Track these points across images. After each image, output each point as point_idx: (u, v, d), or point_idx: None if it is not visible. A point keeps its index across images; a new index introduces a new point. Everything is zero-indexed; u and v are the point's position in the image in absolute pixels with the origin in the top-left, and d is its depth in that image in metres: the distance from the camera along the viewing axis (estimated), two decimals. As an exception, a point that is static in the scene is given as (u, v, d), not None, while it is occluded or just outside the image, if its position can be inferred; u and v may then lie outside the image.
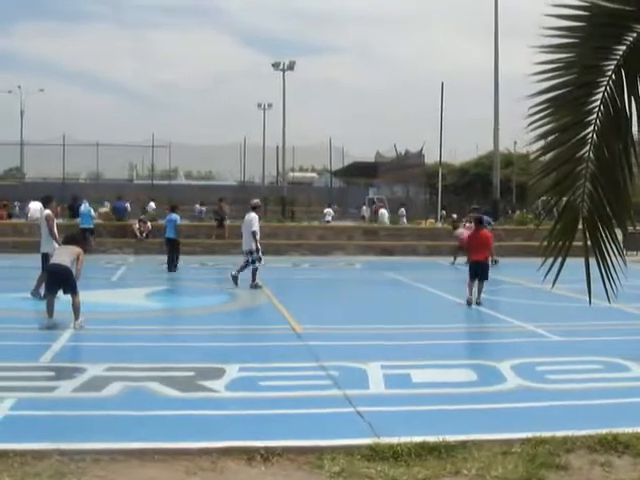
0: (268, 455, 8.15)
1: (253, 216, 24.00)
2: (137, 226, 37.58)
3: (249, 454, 8.16)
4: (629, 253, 38.19)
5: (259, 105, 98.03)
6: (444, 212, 58.06)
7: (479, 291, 20.73)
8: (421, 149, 65.27)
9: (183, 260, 29.87)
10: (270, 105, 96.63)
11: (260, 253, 23.82)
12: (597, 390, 11.52)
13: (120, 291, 23.36)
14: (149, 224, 37.97)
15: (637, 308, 19.47)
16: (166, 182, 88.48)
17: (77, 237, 18.01)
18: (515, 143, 78.70)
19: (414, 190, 67.07)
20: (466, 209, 69.40)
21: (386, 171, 74.07)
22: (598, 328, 16.48)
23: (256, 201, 25.46)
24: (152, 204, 48.49)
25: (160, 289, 23.55)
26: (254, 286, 23.51)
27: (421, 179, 66.52)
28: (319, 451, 8.29)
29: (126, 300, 20.96)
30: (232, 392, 10.87)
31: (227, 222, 39.59)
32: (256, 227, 23.74)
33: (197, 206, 54.71)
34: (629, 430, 9.00)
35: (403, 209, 53.06)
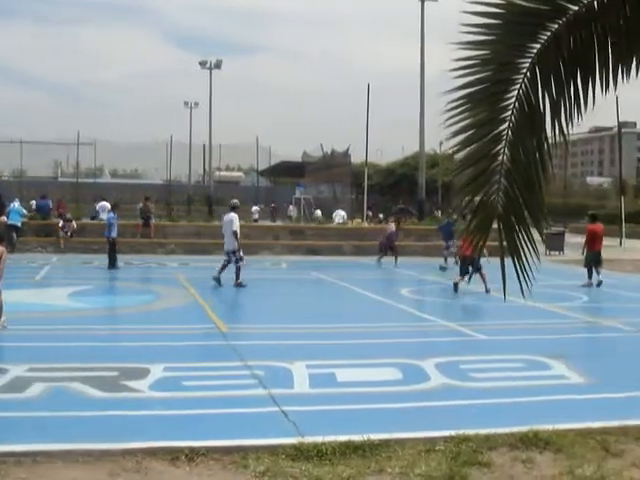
0: (192, 455, 8.10)
1: (233, 216, 24.35)
2: (61, 225, 36.99)
3: (173, 454, 8.10)
4: (552, 253, 38.97)
5: (186, 103, 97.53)
6: (370, 212, 58.27)
7: (470, 277, 21.83)
8: (347, 149, 65.43)
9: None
10: (197, 103, 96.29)
11: (241, 252, 23.99)
12: (519, 388, 11.65)
13: (43, 290, 23.06)
14: (74, 223, 37.54)
15: (560, 307, 19.77)
16: (91, 180, 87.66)
17: (0, 235, 17.71)
18: (441, 144, 79.30)
19: (340, 190, 67.21)
20: (392, 209, 69.99)
21: (313, 171, 74.10)
22: (521, 327, 16.70)
23: (235, 201, 25.94)
24: (105, 203, 46.66)
25: (84, 288, 23.23)
26: (239, 285, 23.74)
27: (347, 179, 66.68)
28: (244, 451, 8.26)
29: (49, 300, 20.70)
30: (156, 392, 10.78)
31: (152, 221, 39.36)
32: (237, 227, 23.94)
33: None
34: (550, 427, 9.12)
35: (319, 211, 53.35)
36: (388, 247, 33.76)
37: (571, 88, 4.09)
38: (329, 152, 70.20)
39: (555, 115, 4.14)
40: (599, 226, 27.28)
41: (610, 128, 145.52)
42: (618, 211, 51.69)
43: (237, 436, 8.75)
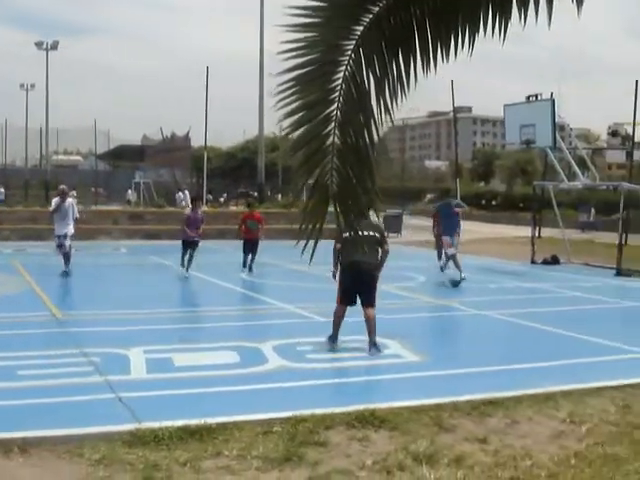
0: (26, 446, 7.91)
1: (53, 200, 24.05)
2: None
3: (6, 446, 7.89)
4: (390, 235, 39.69)
5: (21, 86, 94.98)
6: (210, 196, 58.23)
7: (252, 260, 24.31)
8: (187, 132, 65.19)
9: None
10: (33, 86, 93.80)
11: (58, 239, 23.29)
12: (356, 368, 11.90)
13: None
14: None
15: (397, 287, 20.18)
16: None
17: None
18: (281, 127, 79.52)
19: (180, 174, 66.84)
20: (233, 193, 70.06)
21: (152, 154, 73.51)
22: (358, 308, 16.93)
23: (60, 187, 25.07)
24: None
25: None
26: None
27: (187, 162, 66.40)
28: (79, 439, 8.12)
29: None
30: (-11, 382, 10.51)
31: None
32: (51, 209, 23.62)
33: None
34: (385, 405, 9.35)
35: (181, 194, 53.15)
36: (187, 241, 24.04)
37: (394, 68, 4.18)
38: (169, 136, 69.76)
39: (380, 94, 4.21)
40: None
41: (447, 113, 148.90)
42: (454, 193, 53.00)
43: (72, 425, 8.60)
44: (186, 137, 65.74)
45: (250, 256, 24.57)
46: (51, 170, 78.55)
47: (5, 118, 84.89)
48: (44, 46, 79.56)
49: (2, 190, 58.74)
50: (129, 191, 63.62)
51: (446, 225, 24.11)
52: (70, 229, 23.31)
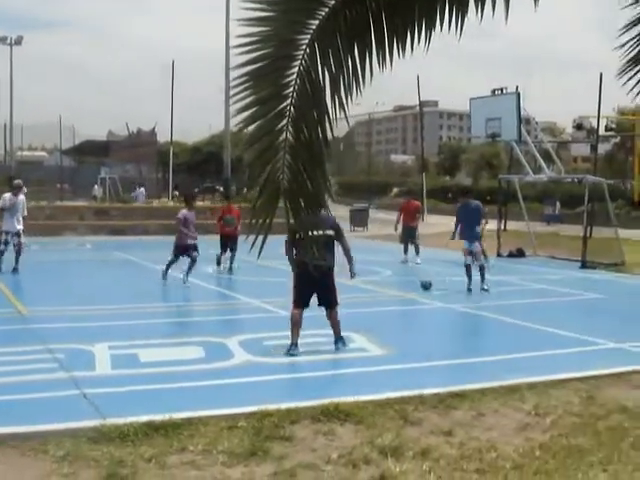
0: (-10, 443, 7.88)
1: (4, 195, 23.40)
2: None
3: (-30, 444, 7.86)
4: (357, 229, 39.79)
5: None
6: (176, 192, 58.01)
7: (232, 257, 23.76)
8: (153, 128, 64.91)
9: None
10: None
11: (6, 235, 22.93)
12: (322, 362, 11.89)
13: None
14: None
15: (363, 281, 20.13)
16: None
17: None
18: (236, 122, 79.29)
19: (147, 169, 66.55)
20: (200, 188, 69.87)
21: (118, 150, 73.16)
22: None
23: (16, 182, 24.69)
24: None
25: None
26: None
27: (153, 158, 66.13)
28: (43, 436, 8.07)
29: None
30: (-48, 379, 10.42)
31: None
32: (4, 205, 22.88)
33: None
34: (351, 399, 9.33)
35: (143, 189, 52.90)
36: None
37: (349, 63, 4.16)
38: (135, 131, 69.48)
39: (334, 90, 4.20)
40: (415, 202, 28.70)
41: (413, 107, 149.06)
42: (420, 187, 53.26)
43: (37, 421, 8.53)
44: (152, 132, 65.53)
45: (229, 253, 24.05)
46: (16, 166, 77.94)
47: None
48: (8, 41, 79.06)
49: None
50: (95, 187, 63.18)
51: (466, 228, 21.13)
52: (21, 226, 22.99)
